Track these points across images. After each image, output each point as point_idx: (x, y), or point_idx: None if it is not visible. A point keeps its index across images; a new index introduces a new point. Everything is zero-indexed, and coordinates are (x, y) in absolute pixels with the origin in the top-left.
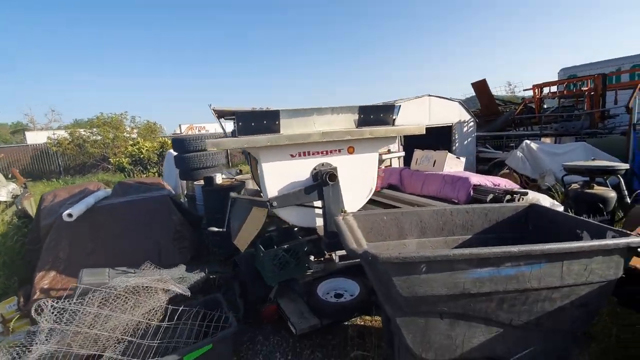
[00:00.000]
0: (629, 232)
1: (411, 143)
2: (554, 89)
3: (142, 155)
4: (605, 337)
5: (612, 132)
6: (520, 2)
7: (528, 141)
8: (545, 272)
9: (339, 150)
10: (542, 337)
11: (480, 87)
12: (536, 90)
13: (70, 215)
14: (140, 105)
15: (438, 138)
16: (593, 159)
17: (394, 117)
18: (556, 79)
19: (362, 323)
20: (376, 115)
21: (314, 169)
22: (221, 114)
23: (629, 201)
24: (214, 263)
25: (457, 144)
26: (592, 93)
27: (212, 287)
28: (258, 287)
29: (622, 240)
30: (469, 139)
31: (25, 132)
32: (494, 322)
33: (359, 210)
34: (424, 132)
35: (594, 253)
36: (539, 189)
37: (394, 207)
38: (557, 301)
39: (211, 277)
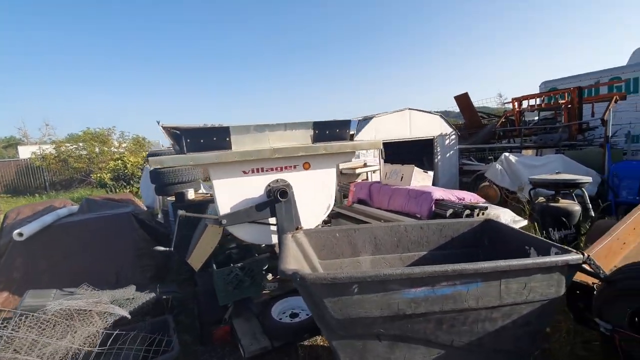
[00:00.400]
0: (570, 248)
1: (393, 156)
2: (533, 102)
3: (126, 170)
4: (560, 356)
5: (592, 144)
6: (520, 9)
7: (507, 154)
8: (482, 292)
9: (294, 167)
10: (484, 358)
11: (463, 100)
12: (515, 104)
13: (20, 234)
14: (140, 119)
15: (421, 151)
16: (557, 172)
17: (351, 132)
18: (539, 91)
19: (321, 343)
20: (332, 130)
21: (268, 185)
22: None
23: (593, 214)
24: (171, 282)
25: (439, 157)
26: (569, 106)
27: (165, 308)
28: (215, 307)
29: (560, 258)
30: (451, 152)
31: (18, 147)
32: (435, 343)
33: (324, 226)
34: (381, 147)
35: (532, 271)
36: (518, 201)
37: (364, 222)
38: (499, 321)
39: (164, 297)
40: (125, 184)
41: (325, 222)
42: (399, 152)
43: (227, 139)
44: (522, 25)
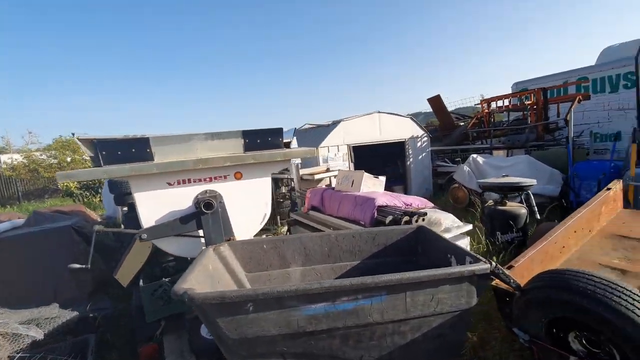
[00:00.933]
0: (480, 257)
1: (365, 160)
2: (501, 103)
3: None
4: None
5: (560, 144)
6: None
7: (475, 155)
8: (387, 305)
9: (225, 177)
10: None
11: (436, 102)
12: (484, 105)
13: None
14: (133, 126)
15: (393, 154)
16: (504, 176)
17: (287, 140)
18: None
19: None
20: (263, 139)
21: (196, 197)
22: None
23: (539, 217)
24: (105, 298)
25: (411, 159)
26: (535, 107)
27: (92, 326)
28: (148, 323)
29: (466, 268)
30: (423, 154)
31: (0, 155)
32: (343, 359)
33: (274, 235)
34: (315, 154)
35: (438, 282)
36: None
37: (318, 229)
38: (408, 334)
39: (90, 315)
40: (94, 193)
41: (288, 229)
42: (370, 155)
43: (148, 150)
44: (517, 25)
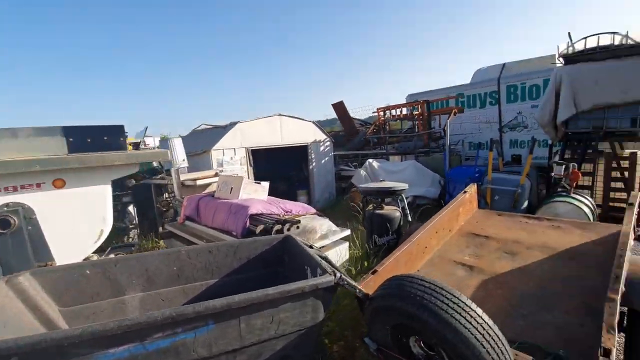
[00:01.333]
0: (328, 269)
1: (266, 164)
2: (394, 112)
3: None
4: None
5: (443, 151)
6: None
7: (370, 160)
8: (216, 335)
9: (38, 185)
10: None
11: (339, 108)
12: (380, 113)
13: None
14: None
15: (296, 158)
16: (381, 180)
17: (137, 141)
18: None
19: None
20: (95, 138)
21: None
22: None
23: (410, 219)
24: None
25: (314, 163)
26: (421, 117)
27: None
28: None
29: (307, 283)
30: (326, 158)
31: None
32: None
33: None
34: (168, 158)
35: (278, 302)
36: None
37: (193, 242)
38: None
39: None
40: None
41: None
42: (273, 160)
43: None
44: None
